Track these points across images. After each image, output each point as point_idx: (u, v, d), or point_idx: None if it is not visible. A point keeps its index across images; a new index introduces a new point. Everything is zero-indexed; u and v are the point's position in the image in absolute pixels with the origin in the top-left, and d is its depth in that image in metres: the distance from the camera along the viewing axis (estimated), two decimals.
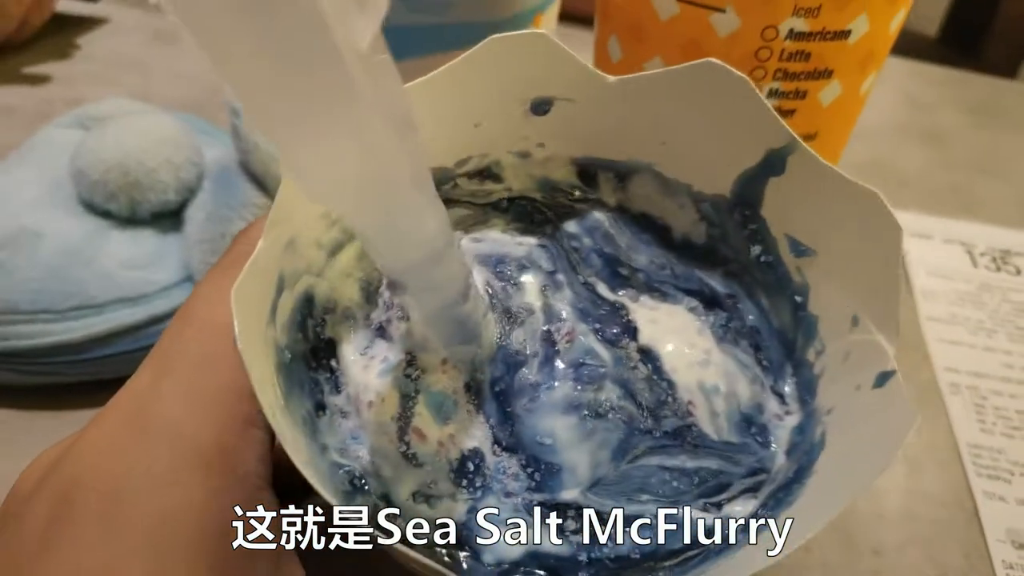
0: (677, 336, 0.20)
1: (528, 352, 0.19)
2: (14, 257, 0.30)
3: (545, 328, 0.19)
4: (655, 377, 0.19)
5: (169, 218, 0.33)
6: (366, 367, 0.19)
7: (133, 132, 0.32)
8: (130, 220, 0.33)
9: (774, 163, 0.20)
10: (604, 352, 0.19)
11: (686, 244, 0.22)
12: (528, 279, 0.20)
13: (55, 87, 0.53)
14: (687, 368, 0.19)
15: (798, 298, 0.20)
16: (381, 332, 0.20)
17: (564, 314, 0.19)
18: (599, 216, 0.22)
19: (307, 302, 0.19)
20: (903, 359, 0.35)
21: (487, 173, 0.23)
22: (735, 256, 0.21)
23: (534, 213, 0.23)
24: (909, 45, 0.66)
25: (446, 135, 0.20)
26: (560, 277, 0.20)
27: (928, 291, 0.39)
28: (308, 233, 0.19)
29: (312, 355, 0.19)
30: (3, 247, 0.30)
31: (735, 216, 0.21)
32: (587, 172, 0.23)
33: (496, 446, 0.18)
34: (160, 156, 0.32)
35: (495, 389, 0.18)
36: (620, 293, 0.21)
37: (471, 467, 0.18)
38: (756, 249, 0.21)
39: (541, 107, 0.21)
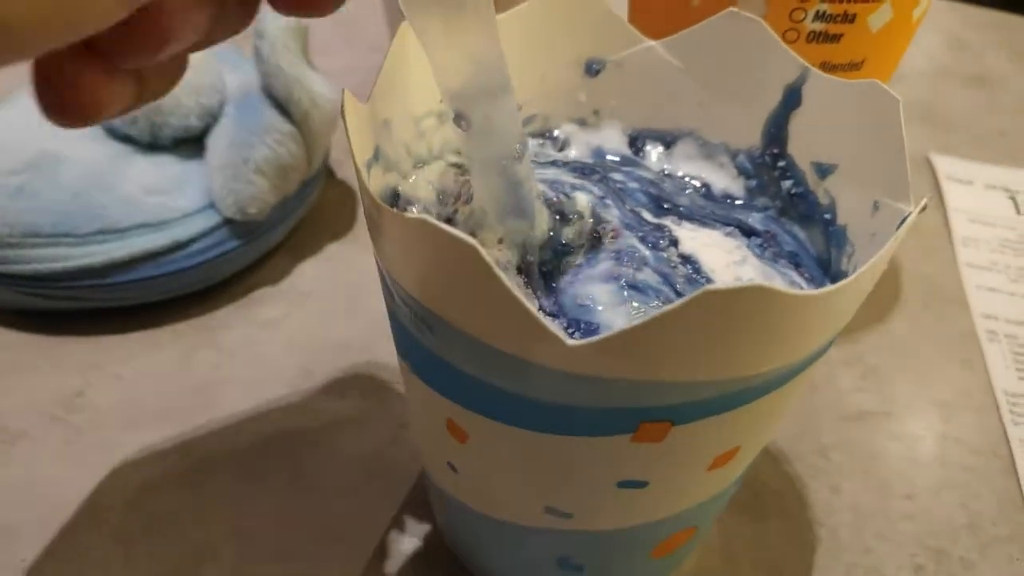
0: (716, 247, 0.20)
1: (575, 244, 0.19)
2: (35, 181, 0.30)
3: (592, 227, 0.20)
4: (694, 275, 0.19)
5: (192, 144, 0.32)
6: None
7: None
8: (152, 145, 0.32)
9: (791, 97, 0.20)
10: (646, 251, 0.19)
11: (726, 197, 0.23)
12: (579, 195, 0.20)
13: None
14: (725, 268, 0.20)
15: (827, 216, 0.21)
16: (449, 223, 0.20)
17: (612, 221, 0.20)
18: (645, 174, 0.23)
19: (394, 196, 0.20)
20: (939, 306, 0.34)
21: (548, 136, 0.24)
22: (771, 202, 0.22)
23: (584, 169, 0.23)
24: None
25: (517, 81, 0.20)
26: (608, 201, 0.21)
27: (968, 238, 0.38)
28: (401, 133, 0.20)
29: None
30: (25, 171, 0.30)
31: (766, 160, 0.22)
32: (636, 143, 0.24)
33: (540, 312, 0.18)
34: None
35: (543, 269, 0.19)
36: (663, 218, 0.21)
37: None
38: (787, 184, 0.22)
39: (594, 67, 0.23)
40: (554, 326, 0.13)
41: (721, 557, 0.25)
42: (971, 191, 0.41)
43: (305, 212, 0.35)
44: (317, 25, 0.46)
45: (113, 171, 0.31)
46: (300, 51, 0.32)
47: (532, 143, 0.24)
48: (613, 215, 0.20)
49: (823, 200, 0.21)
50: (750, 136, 0.22)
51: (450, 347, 0.15)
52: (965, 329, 0.34)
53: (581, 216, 0.20)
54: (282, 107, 0.31)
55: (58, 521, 0.25)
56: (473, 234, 0.19)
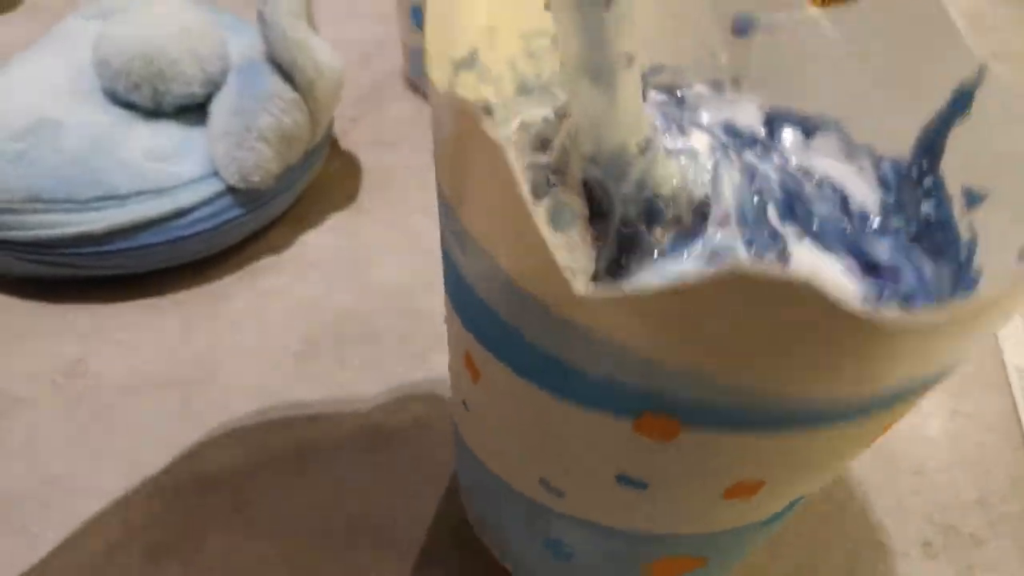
0: (828, 276, 0.18)
1: (671, 212, 0.17)
2: (36, 147, 0.29)
3: (702, 200, 0.17)
4: None
5: (195, 111, 0.32)
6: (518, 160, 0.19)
7: (156, 21, 0.31)
8: (154, 112, 0.31)
9: (960, 102, 0.17)
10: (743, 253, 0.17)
11: (863, 215, 0.20)
12: (702, 148, 0.18)
13: None
14: None
15: (964, 255, 0.17)
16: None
17: (728, 202, 0.18)
18: (786, 164, 0.21)
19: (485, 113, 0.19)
20: None
21: (676, 95, 0.21)
22: (905, 225, 0.19)
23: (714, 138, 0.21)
24: None
25: (647, 19, 0.19)
26: (733, 176, 0.18)
27: None
28: (507, 46, 0.19)
29: None
30: (25, 136, 0.29)
31: (912, 174, 0.19)
32: (772, 123, 0.21)
33: (591, 282, 0.17)
34: (183, 46, 0.31)
35: (622, 230, 0.17)
36: (787, 225, 0.19)
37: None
38: (927, 208, 0.19)
39: (743, 27, 0.20)
40: (568, 262, 0.12)
41: None
42: None
43: (309, 182, 0.35)
44: None
45: (114, 137, 0.30)
46: (304, 16, 0.31)
47: (655, 97, 0.21)
48: (729, 198, 0.17)
49: (964, 234, 0.17)
50: (902, 142, 0.19)
51: (473, 267, 0.14)
52: None
53: (692, 179, 0.17)
54: (286, 74, 0.31)
55: (58, 487, 0.25)
56: (561, 171, 0.18)
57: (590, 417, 0.14)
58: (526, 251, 0.12)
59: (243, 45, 0.33)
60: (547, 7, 0.16)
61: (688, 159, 0.17)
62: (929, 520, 0.26)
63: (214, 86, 0.32)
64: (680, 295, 0.10)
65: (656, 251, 0.17)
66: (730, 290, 0.10)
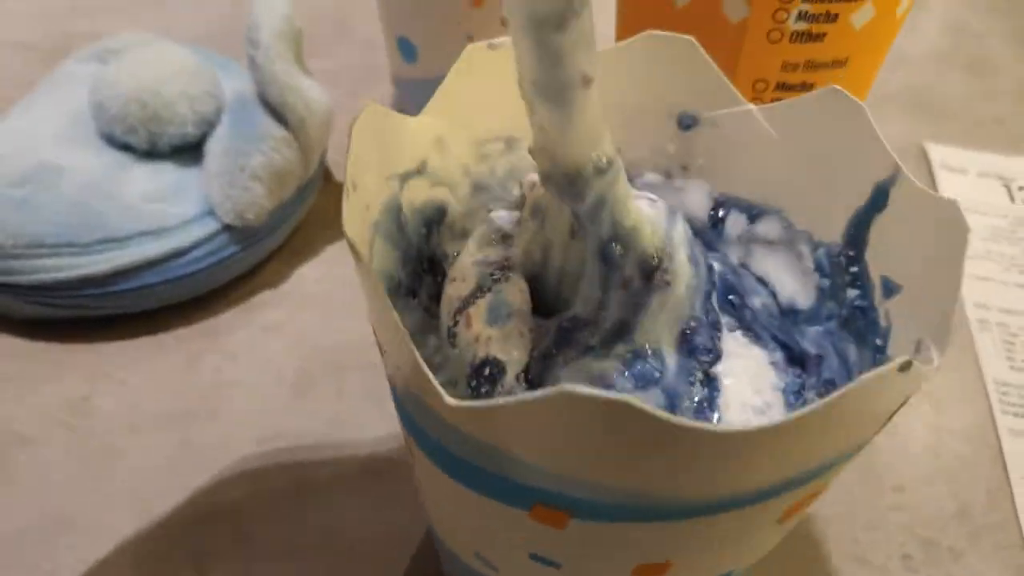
0: (749, 380, 0.19)
1: (633, 259, 0.17)
2: (37, 192, 0.30)
3: (660, 247, 0.18)
4: (705, 406, 0.18)
5: (189, 151, 0.33)
6: (471, 255, 0.20)
7: (150, 64, 0.32)
8: (150, 153, 0.33)
9: (879, 199, 0.18)
10: (671, 358, 0.18)
11: (792, 309, 0.21)
12: (647, 210, 0.18)
13: (73, 22, 0.52)
14: (740, 408, 0.18)
15: (879, 342, 0.19)
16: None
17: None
18: (727, 254, 0.22)
19: (440, 211, 0.21)
20: None
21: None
22: (838, 309, 0.20)
23: None
24: None
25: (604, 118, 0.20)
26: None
27: None
28: (458, 153, 0.20)
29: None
30: (26, 183, 0.31)
31: (841, 261, 0.20)
32: (720, 208, 0.22)
33: (523, 375, 0.18)
34: (177, 88, 0.32)
35: (563, 325, 0.18)
36: (723, 313, 0.20)
37: (487, 373, 0.17)
38: (853, 293, 0.20)
39: (687, 121, 0.22)
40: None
41: None
42: (965, 179, 0.41)
43: (302, 216, 0.36)
44: (312, 24, 0.46)
45: (112, 180, 0.31)
46: (294, 58, 0.32)
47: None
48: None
49: (882, 322, 0.19)
50: (834, 230, 0.20)
51: (386, 369, 0.16)
52: (957, 318, 0.34)
53: (654, 222, 0.17)
54: (277, 114, 0.32)
55: (66, 524, 0.25)
56: (507, 266, 0.19)
57: (493, 504, 0.15)
58: (409, 367, 0.13)
59: (235, 85, 0.34)
60: (503, 24, 0.17)
61: (651, 206, 0.18)
62: (910, 533, 0.26)
63: (208, 126, 0.33)
64: (520, 409, 0.11)
65: (586, 348, 0.18)
66: (560, 409, 0.11)
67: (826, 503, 0.27)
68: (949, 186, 0.40)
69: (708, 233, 0.22)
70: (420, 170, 0.20)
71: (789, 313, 0.21)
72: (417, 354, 0.12)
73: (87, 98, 0.33)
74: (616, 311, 0.17)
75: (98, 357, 0.31)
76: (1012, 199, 0.40)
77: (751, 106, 0.20)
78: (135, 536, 0.25)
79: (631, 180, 0.21)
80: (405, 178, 0.19)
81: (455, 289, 0.19)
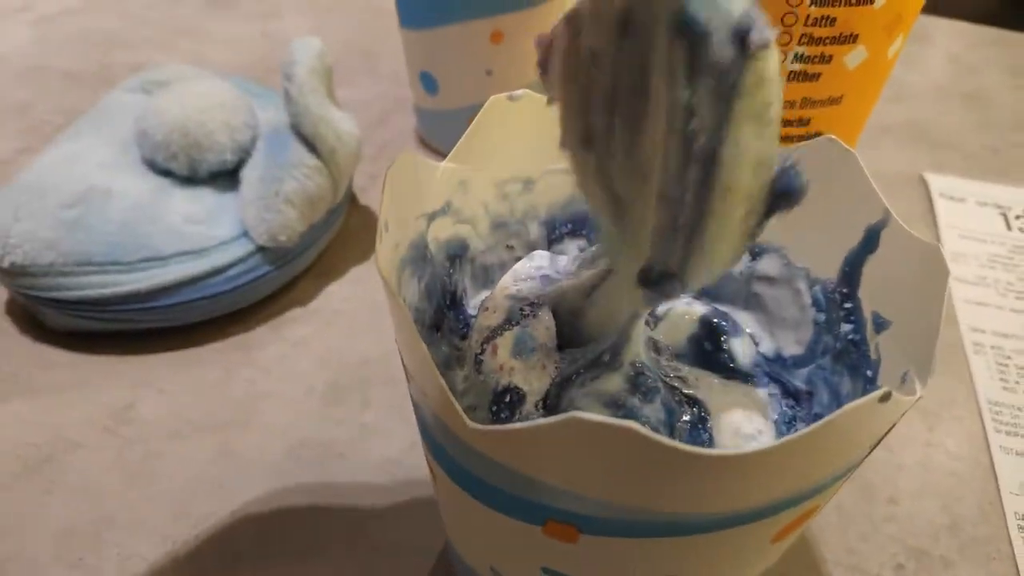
0: (740, 410, 0.20)
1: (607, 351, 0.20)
2: (87, 214, 0.33)
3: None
4: (699, 426, 0.19)
5: (227, 177, 0.35)
6: (505, 288, 0.22)
7: (193, 96, 0.35)
8: (190, 179, 0.35)
9: (870, 240, 0.20)
10: (666, 396, 0.19)
11: (779, 357, 0.23)
12: None
13: (114, 52, 0.55)
14: (732, 435, 0.20)
15: (869, 373, 0.20)
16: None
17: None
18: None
19: (462, 246, 0.23)
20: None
21: None
22: (832, 344, 0.22)
23: None
24: (964, 6, 0.65)
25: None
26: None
27: (958, 253, 0.40)
28: (480, 193, 0.22)
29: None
30: (76, 204, 0.33)
31: (836, 298, 0.21)
32: None
33: (541, 401, 0.19)
34: (218, 119, 0.34)
35: (575, 368, 0.20)
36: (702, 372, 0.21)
37: (508, 399, 0.19)
38: (847, 329, 0.21)
39: None
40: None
41: None
42: (963, 208, 0.43)
43: (331, 238, 0.38)
44: (340, 58, 0.49)
45: (156, 203, 0.34)
46: (325, 92, 0.34)
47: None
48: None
49: (872, 355, 0.20)
50: (830, 268, 0.21)
51: (412, 392, 0.17)
52: (952, 341, 0.36)
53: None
54: (309, 143, 0.34)
55: (110, 523, 0.27)
56: (538, 301, 0.21)
57: (507, 521, 0.16)
58: (434, 393, 0.15)
59: (269, 115, 0.36)
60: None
61: None
62: (902, 544, 0.28)
63: (244, 153, 0.35)
64: (534, 433, 0.13)
65: (590, 377, 0.19)
66: (571, 433, 0.12)
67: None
68: (948, 214, 0.42)
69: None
70: (445, 209, 0.22)
71: (777, 360, 0.22)
72: (443, 382, 0.14)
73: (132, 126, 0.35)
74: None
75: (140, 368, 0.33)
76: (1009, 227, 0.42)
77: None
78: (173, 535, 0.27)
79: None
80: (432, 217, 0.21)
81: (486, 319, 0.21)
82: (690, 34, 0.13)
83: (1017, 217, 0.42)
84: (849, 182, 0.20)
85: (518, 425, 0.13)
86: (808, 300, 0.22)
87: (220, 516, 0.28)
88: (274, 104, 0.39)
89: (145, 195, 0.34)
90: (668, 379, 0.20)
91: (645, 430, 0.12)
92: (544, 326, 0.20)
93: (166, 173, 0.35)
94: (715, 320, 0.22)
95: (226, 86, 0.36)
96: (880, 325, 0.20)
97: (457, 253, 0.23)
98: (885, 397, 0.13)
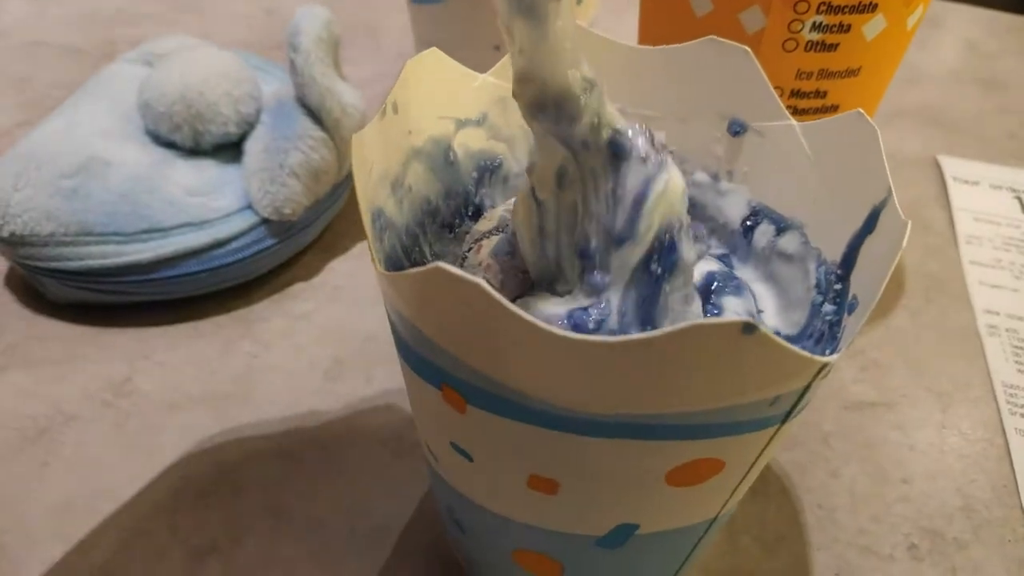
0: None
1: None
2: (87, 184, 0.32)
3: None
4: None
5: (230, 149, 0.35)
6: (505, 207, 0.22)
7: (196, 67, 0.34)
8: (193, 151, 0.34)
9: (871, 221, 0.19)
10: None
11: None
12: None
13: (117, 28, 0.55)
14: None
15: (828, 352, 0.20)
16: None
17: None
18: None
19: (496, 163, 0.23)
20: (941, 302, 0.36)
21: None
22: (818, 327, 0.21)
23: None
24: None
25: (659, 112, 0.22)
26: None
27: (973, 236, 0.39)
28: (520, 113, 0.22)
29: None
30: (76, 174, 0.32)
31: (832, 280, 0.21)
32: (755, 217, 0.23)
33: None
34: (220, 89, 0.34)
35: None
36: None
37: None
38: (829, 310, 0.21)
39: (736, 128, 0.23)
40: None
41: (723, 532, 0.27)
42: (977, 191, 0.42)
43: (335, 214, 0.38)
44: (346, 32, 0.48)
45: (158, 175, 0.33)
46: (332, 63, 0.34)
47: None
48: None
49: (839, 336, 0.20)
50: (834, 251, 0.21)
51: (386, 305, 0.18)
52: (966, 324, 0.35)
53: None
54: (314, 115, 0.33)
55: (108, 496, 0.27)
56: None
57: (420, 383, 0.17)
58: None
59: (274, 87, 0.36)
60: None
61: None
62: (915, 525, 0.27)
63: (248, 126, 0.35)
64: (408, 281, 0.14)
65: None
66: (434, 283, 0.13)
67: (832, 493, 0.28)
68: (962, 197, 0.41)
69: (738, 239, 0.24)
70: (480, 121, 0.21)
71: (776, 333, 0.21)
72: (370, 224, 0.15)
73: (135, 97, 0.35)
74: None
75: (140, 341, 0.32)
76: None
77: (793, 122, 0.21)
78: (172, 507, 0.27)
79: (685, 175, 0.22)
80: (462, 124, 0.21)
81: (481, 225, 0.21)
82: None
83: None
84: (867, 159, 0.19)
85: (401, 273, 0.14)
86: (812, 281, 0.22)
87: (220, 489, 0.27)
88: (278, 78, 0.38)
89: (145, 166, 0.33)
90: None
91: (491, 289, 0.12)
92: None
93: (170, 145, 0.35)
94: (716, 276, 0.21)
95: (230, 57, 0.35)
96: (852, 308, 0.19)
97: (488, 168, 0.23)
98: (748, 328, 0.12)
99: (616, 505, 0.17)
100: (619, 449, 0.15)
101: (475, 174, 0.23)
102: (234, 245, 0.32)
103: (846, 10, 0.26)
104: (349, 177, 0.37)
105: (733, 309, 0.21)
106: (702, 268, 0.21)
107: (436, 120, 0.21)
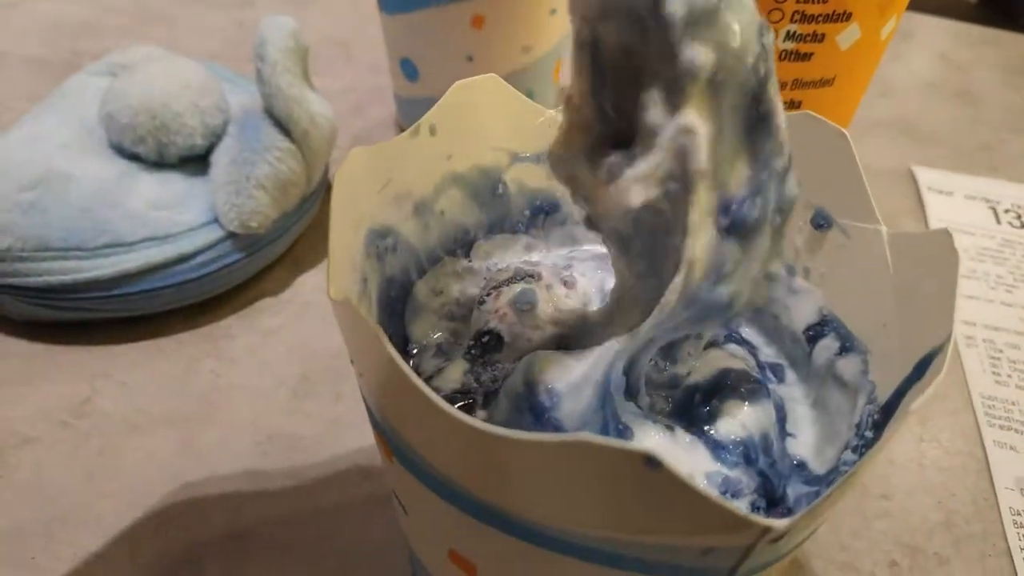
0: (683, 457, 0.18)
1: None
2: (46, 197, 0.31)
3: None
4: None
5: (196, 162, 0.34)
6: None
7: (160, 77, 0.33)
8: (158, 163, 0.33)
9: (922, 367, 0.17)
10: None
11: (802, 464, 0.20)
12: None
13: (83, 39, 0.54)
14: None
15: None
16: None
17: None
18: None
19: (552, 204, 0.22)
20: None
21: None
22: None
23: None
24: (949, 8, 0.65)
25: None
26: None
27: None
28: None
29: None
30: (34, 187, 0.31)
31: (867, 426, 0.19)
32: (822, 327, 0.21)
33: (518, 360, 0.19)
34: (186, 100, 0.33)
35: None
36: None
37: (486, 340, 0.19)
38: (850, 460, 0.19)
39: (820, 221, 0.20)
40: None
41: None
42: (952, 201, 0.42)
43: (304, 227, 0.37)
44: (317, 46, 0.47)
45: (120, 188, 0.32)
46: (300, 73, 0.33)
47: None
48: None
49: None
50: (886, 391, 0.18)
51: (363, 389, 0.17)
52: None
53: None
54: (282, 126, 0.33)
55: (66, 521, 0.26)
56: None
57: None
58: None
59: (242, 99, 0.35)
60: None
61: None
62: (896, 541, 0.27)
63: (215, 137, 0.34)
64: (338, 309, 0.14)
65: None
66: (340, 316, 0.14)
67: None
68: (937, 208, 0.41)
69: (798, 350, 0.21)
70: (539, 159, 0.21)
71: (799, 467, 0.19)
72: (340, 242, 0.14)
73: (98, 109, 0.34)
74: None
75: (101, 360, 0.31)
76: (998, 220, 0.41)
77: (882, 227, 0.19)
78: (133, 533, 0.26)
79: None
80: (519, 158, 0.21)
81: (500, 275, 0.21)
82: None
83: (1006, 211, 0.42)
84: (940, 290, 0.16)
85: (339, 302, 0.13)
86: (856, 419, 0.19)
87: (183, 513, 0.26)
88: (248, 91, 0.37)
89: (109, 179, 0.32)
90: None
91: (387, 344, 0.12)
92: (551, 300, 0.19)
93: (134, 157, 0.34)
94: (731, 375, 0.19)
95: (196, 67, 0.34)
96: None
97: (544, 209, 0.22)
98: (651, 462, 0.11)
99: None
100: (532, 556, 0.14)
101: (527, 212, 0.22)
102: (199, 259, 0.32)
103: (820, 19, 0.26)
104: (318, 191, 0.37)
105: (734, 418, 0.18)
106: (717, 364, 0.20)
107: (488, 150, 0.20)
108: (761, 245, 0.15)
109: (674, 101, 0.14)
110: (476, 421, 0.11)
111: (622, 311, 0.17)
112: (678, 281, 0.14)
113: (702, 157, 0.14)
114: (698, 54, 0.13)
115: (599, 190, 0.15)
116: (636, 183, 0.14)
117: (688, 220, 0.14)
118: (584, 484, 0.12)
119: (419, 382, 0.12)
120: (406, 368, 0.12)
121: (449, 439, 0.13)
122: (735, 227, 0.14)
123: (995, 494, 0.28)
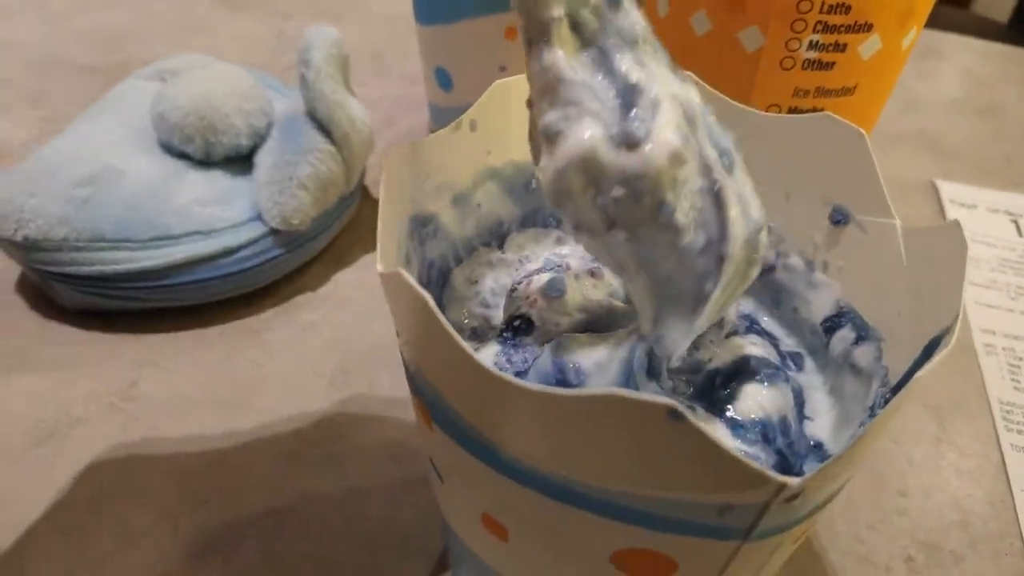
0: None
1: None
2: (99, 192, 0.33)
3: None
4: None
5: (240, 161, 0.35)
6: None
7: (209, 81, 0.35)
8: (205, 162, 0.35)
9: (930, 351, 0.17)
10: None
11: (819, 444, 0.21)
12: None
13: (130, 48, 0.56)
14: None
15: None
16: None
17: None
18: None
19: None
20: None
21: (773, 261, 0.23)
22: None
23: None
24: (978, 30, 0.65)
25: (765, 179, 0.19)
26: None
27: (970, 257, 0.40)
28: None
29: None
30: (90, 183, 0.33)
31: (883, 402, 0.19)
32: (838, 319, 0.22)
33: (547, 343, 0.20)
34: (232, 103, 0.34)
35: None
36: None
37: (517, 324, 0.20)
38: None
39: (838, 217, 0.21)
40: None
41: None
42: (974, 214, 0.43)
43: (343, 225, 0.38)
44: (352, 57, 0.49)
45: (169, 185, 0.34)
46: (341, 79, 0.35)
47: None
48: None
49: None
50: (897, 374, 0.19)
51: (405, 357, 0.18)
52: (963, 343, 0.35)
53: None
54: (324, 129, 0.34)
55: (113, 497, 0.27)
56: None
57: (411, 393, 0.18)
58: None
59: (285, 104, 0.37)
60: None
61: None
62: (912, 538, 0.27)
63: (259, 138, 0.35)
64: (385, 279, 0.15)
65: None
66: (388, 286, 0.15)
67: (832, 506, 0.28)
68: (960, 221, 0.42)
69: (816, 341, 0.22)
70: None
71: (816, 447, 0.20)
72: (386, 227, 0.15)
73: (149, 110, 0.36)
74: None
75: (146, 347, 0.33)
76: (1020, 233, 0.41)
77: (897, 221, 0.20)
78: (175, 509, 0.27)
79: (781, 256, 0.22)
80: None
81: (531, 265, 0.22)
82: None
83: None
84: (948, 276, 0.17)
85: (389, 273, 0.14)
86: (870, 401, 0.20)
87: (223, 493, 0.27)
88: (289, 97, 0.39)
89: (158, 177, 0.34)
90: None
91: (434, 307, 0.13)
92: (580, 288, 0.20)
93: (182, 156, 0.35)
94: (752, 360, 0.20)
95: (242, 72, 0.36)
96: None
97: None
98: (674, 414, 0.12)
99: (562, 573, 0.17)
100: (560, 514, 0.15)
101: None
102: (243, 254, 0.33)
103: (842, 29, 0.27)
104: (355, 192, 0.38)
105: (753, 400, 0.19)
106: (738, 351, 0.21)
107: (522, 146, 0.20)
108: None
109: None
110: (513, 378, 0.13)
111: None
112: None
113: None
114: None
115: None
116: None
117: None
118: (613, 438, 0.13)
119: (462, 342, 0.13)
120: (450, 329, 0.13)
121: (487, 396, 0.14)
122: None
123: (1011, 496, 0.29)
